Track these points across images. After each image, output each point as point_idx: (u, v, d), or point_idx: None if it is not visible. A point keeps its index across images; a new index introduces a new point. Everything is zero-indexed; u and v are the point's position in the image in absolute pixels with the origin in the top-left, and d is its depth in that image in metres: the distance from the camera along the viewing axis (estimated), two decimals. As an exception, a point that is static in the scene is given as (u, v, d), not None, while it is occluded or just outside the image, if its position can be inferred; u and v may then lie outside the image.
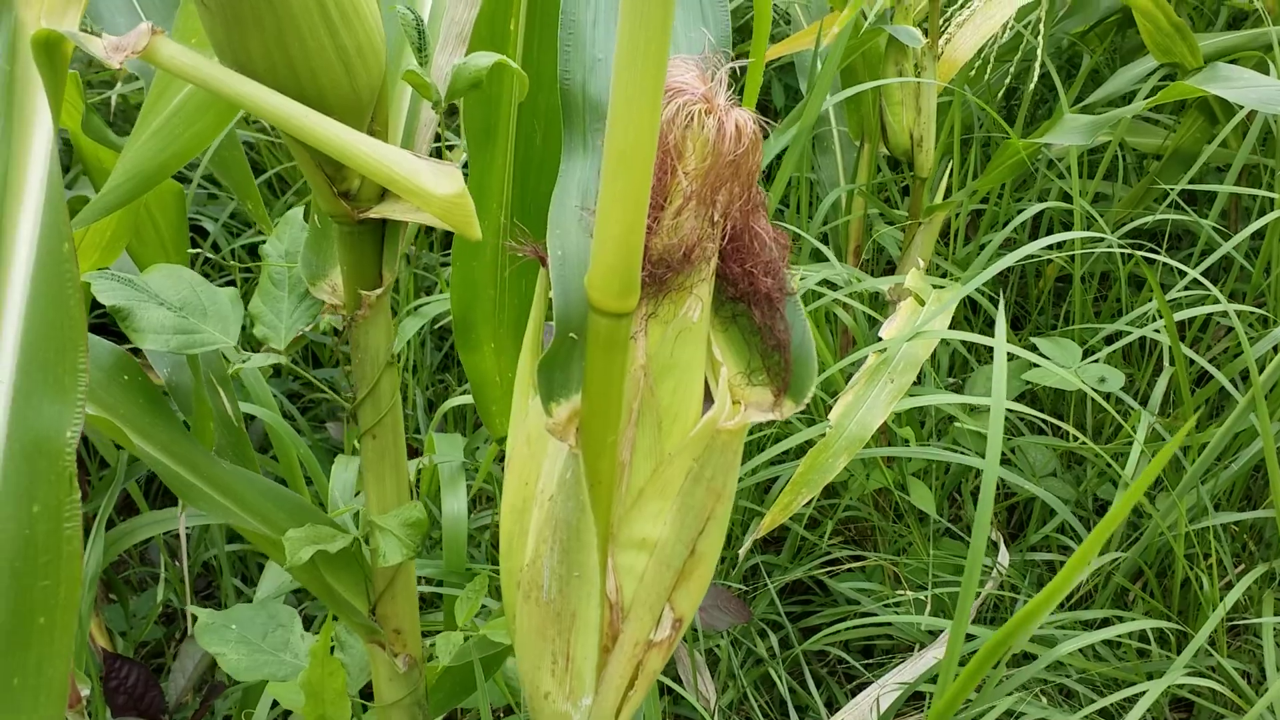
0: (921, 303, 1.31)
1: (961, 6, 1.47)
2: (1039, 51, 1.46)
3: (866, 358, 1.22)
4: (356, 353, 0.70)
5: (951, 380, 1.64)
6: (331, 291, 0.70)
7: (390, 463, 0.73)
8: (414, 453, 1.58)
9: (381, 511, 0.73)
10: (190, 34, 0.69)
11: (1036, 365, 1.32)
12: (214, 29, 0.53)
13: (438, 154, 1.68)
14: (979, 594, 1.40)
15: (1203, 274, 1.72)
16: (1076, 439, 1.41)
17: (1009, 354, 1.29)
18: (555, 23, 0.64)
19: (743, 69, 1.24)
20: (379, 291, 0.67)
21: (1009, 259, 1.25)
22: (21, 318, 0.52)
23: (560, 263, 0.61)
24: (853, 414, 1.21)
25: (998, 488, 1.52)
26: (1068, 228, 1.70)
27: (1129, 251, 1.37)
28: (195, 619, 0.89)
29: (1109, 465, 1.34)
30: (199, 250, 1.69)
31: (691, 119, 0.59)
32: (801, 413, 1.50)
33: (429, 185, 0.56)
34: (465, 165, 0.88)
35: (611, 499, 0.62)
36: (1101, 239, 1.51)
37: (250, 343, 0.76)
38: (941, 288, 1.37)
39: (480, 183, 0.93)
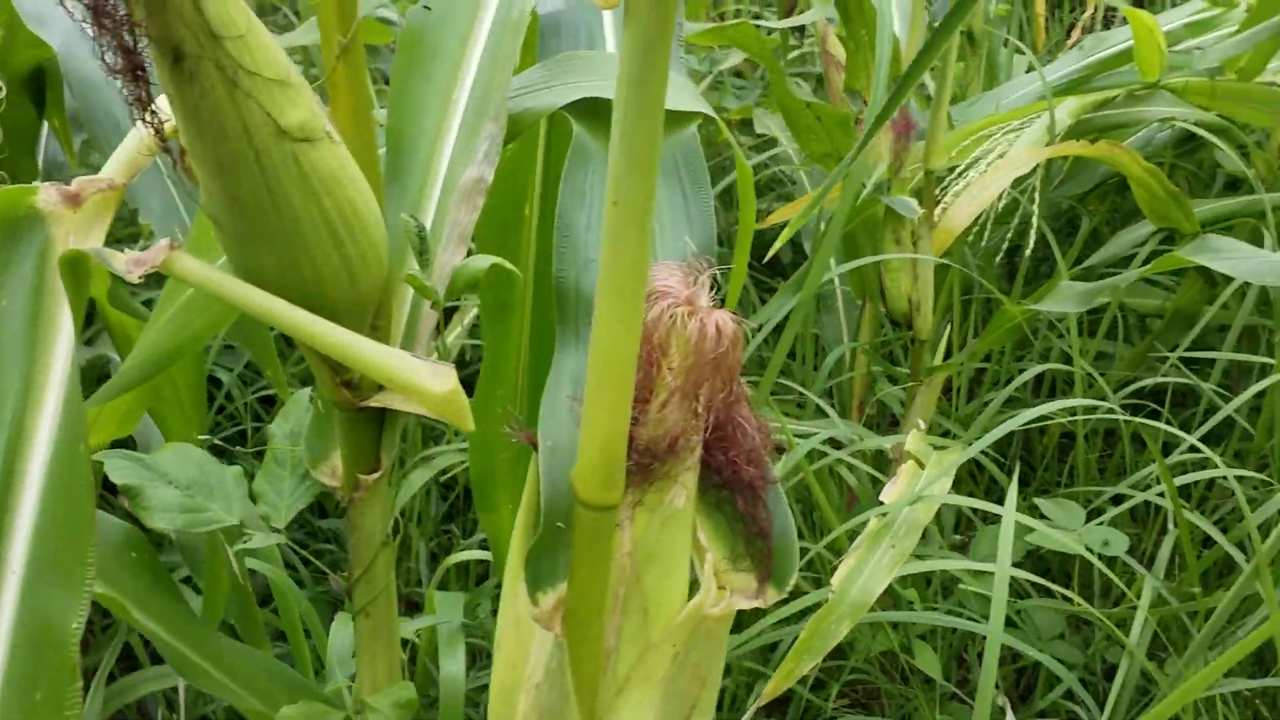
0: (922, 465, 1.32)
1: (959, 178, 1.53)
2: (1034, 218, 1.51)
3: (869, 520, 1.23)
4: (353, 533, 0.72)
5: (958, 537, 1.63)
6: (331, 474, 0.72)
7: (384, 640, 0.75)
8: (416, 608, 1.58)
9: (373, 690, 0.74)
10: (206, 241, 0.73)
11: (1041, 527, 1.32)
12: (229, 244, 0.58)
13: (450, 313, 1.73)
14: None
15: (1209, 434, 1.73)
16: (1082, 602, 1.40)
17: (1021, 518, 1.30)
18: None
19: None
20: (376, 475, 0.70)
21: (1008, 425, 1.27)
22: (36, 511, 0.55)
23: (549, 453, 0.63)
24: (855, 579, 1.22)
25: (1005, 650, 1.51)
26: (1070, 386, 1.72)
27: (1128, 418, 1.38)
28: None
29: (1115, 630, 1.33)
30: (213, 400, 1.73)
31: (675, 320, 0.62)
32: (808, 573, 1.50)
33: (425, 384, 0.59)
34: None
35: (596, 687, 0.63)
36: (1103, 401, 1.53)
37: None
38: (943, 449, 1.38)
39: (495, 353, 0.97)
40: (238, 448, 1.73)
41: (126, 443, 1.09)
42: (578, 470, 0.59)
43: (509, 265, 0.66)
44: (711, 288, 0.65)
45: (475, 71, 0.71)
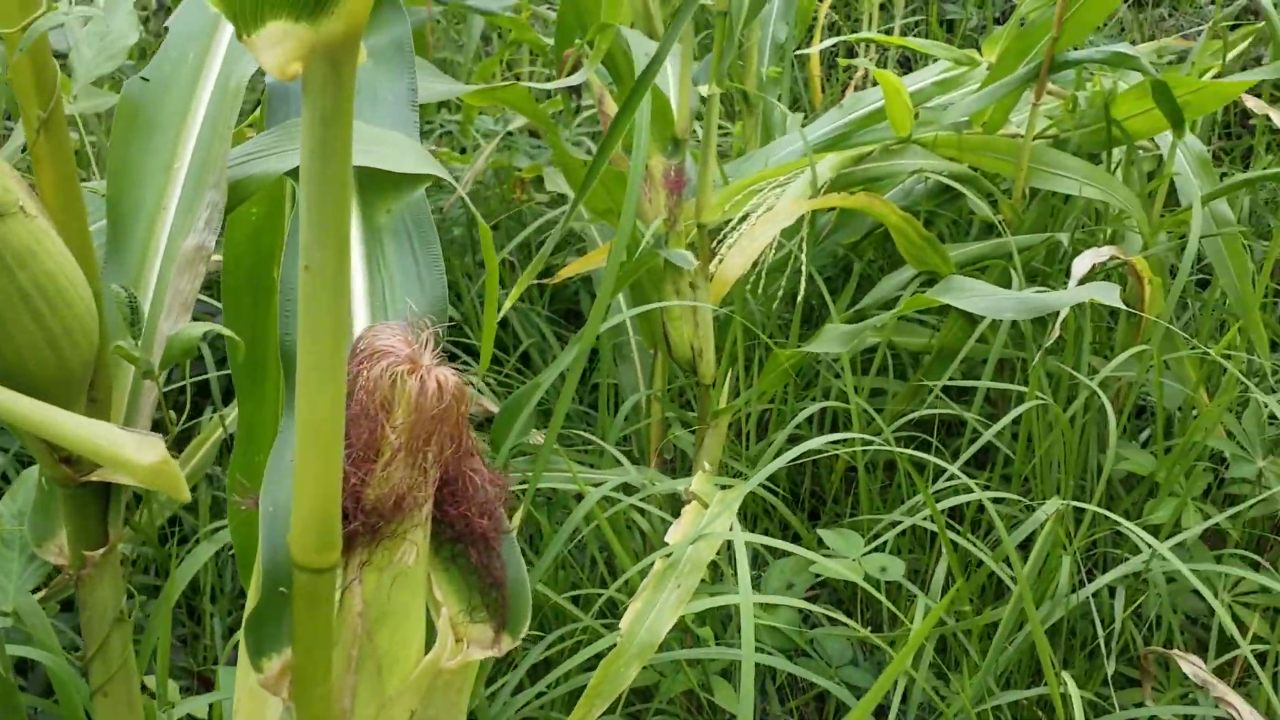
0: (706, 505, 1.37)
1: (733, 230, 1.61)
2: (804, 266, 1.60)
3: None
4: (84, 611, 0.70)
5: (754, 573, 1.69)
6: (58, 552, 0.70)
7: (122, 721, 0.72)
8: (210, 685, 1.53)
9: (112, 774, 0.71)
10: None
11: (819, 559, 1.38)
12: (-88, 322, 0.56)
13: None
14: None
15: (984, 461, 1.85)
16: (858, 627, 1.46)
17: (796, 550, 1.36)
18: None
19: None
20: (103, 551, 0.68)
21: (782, 459, 1.33)
22: None
23: (271, 517, 0.63)
24: (643, 621, 1.24)
25: (801, 680, 1.56)
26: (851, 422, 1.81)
27: (900, 450, 1.47)
28: None
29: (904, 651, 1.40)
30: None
31: (396, 379, 0.64)
32: (613, 619, 1.53)
33: (132, 456, 0.58)
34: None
35: (331, 749, 0.63)
36: (879, 434, 1.62)
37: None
38: (728, 487, 1.44)
39: (251, 419, 0.96)
40: None
41: None
42: (292, 534, 0.59)
43: (226, 331, 0.67)
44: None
45: (195, 140, 0.72)
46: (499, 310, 1.00)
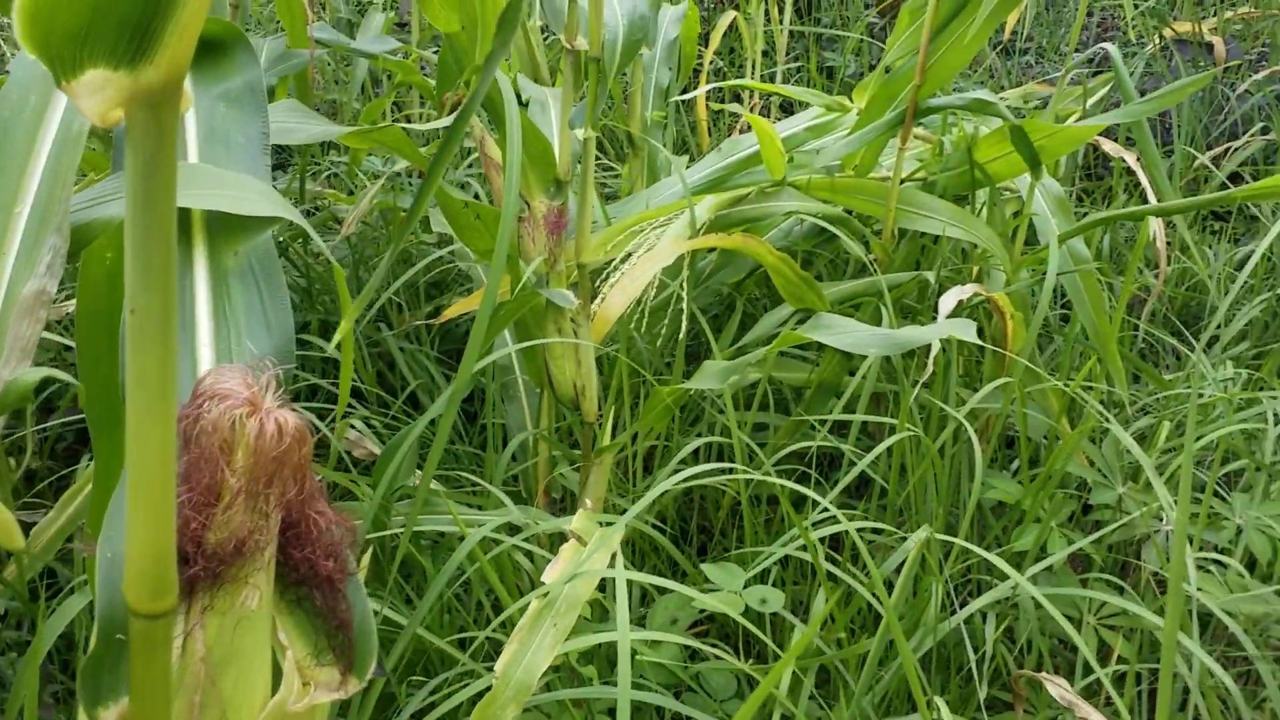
0: (584, 543, 1.38)
1: (615, 270, 1.63)
2: (685, 304, 1.63)
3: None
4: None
5: (641, 610, 1.70)
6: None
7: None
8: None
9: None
10: None
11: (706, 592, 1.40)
12: None
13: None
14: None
15: (858, 492, 1.90)
16: (735, 660, 1.49)
17: (675, 586, 1.38)
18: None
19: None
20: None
21: (656, 491, 1.35)
22: None
23: (108, 565, 0.63)
24: (518, 662, 1.24)
25: (685, 716, 1.57)
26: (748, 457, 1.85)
27: (779, 483, 1.50)
28: None
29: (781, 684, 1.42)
30: None
31: (234, 422, 0.64)
32: (486, 662, 1.52)
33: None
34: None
35: (170, 798, 0.62)
36: (762, 468, 1.65)
37: None
38: (610, 524, 1.45)
39: (106, 468, 0.94)
40: None
41: None
42: (126, 579, 0.59)
43: (63, 375, 0.66)
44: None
45: (37, 185, 0.71)
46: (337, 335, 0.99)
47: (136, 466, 0.56)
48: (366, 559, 0.89)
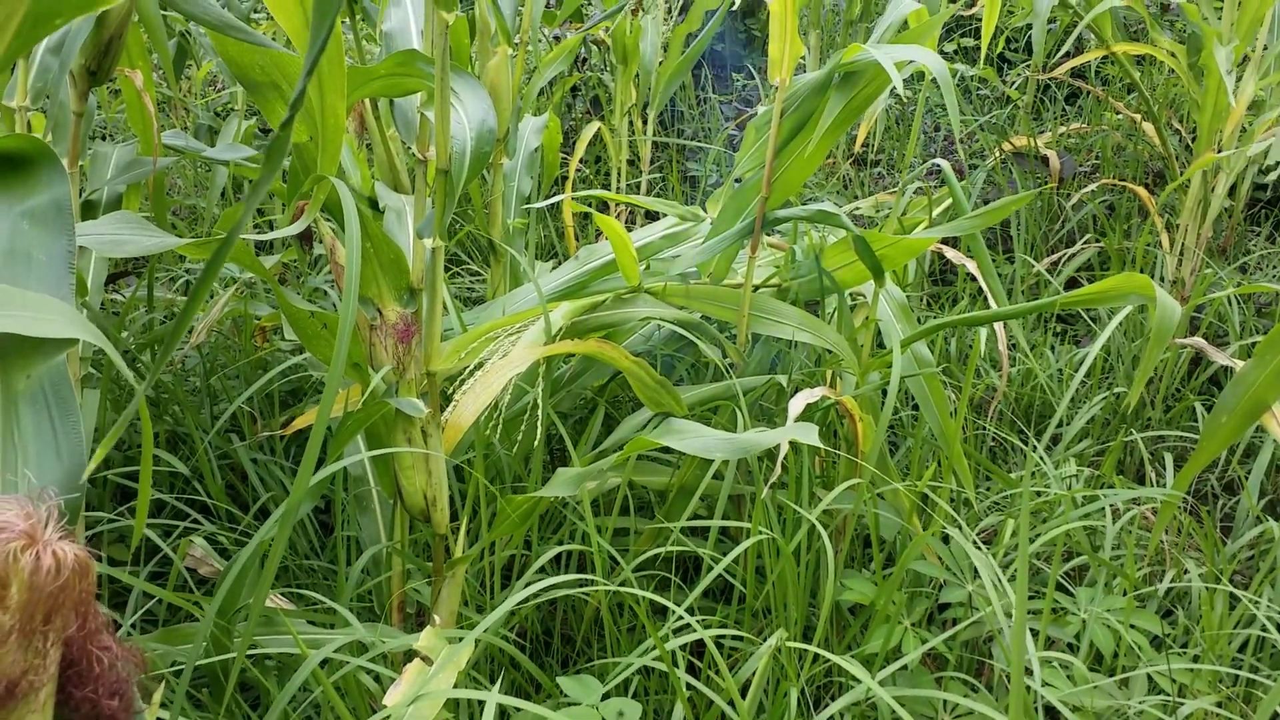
0: (430, 662, 1.33)
1: (468, 377, 1.62)
2: (541, 410, 1.62)
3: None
4: None
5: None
6: None
7: None
8: None
9: None
10: None
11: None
12: None
13: None
14: None
15: (723, 595, 1.90)
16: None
17: (527, 705, 1.34)
18: None
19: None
20: None
21: (507, 605, 1.33)
22: None
23: None
24: (359, 790, 1.19)
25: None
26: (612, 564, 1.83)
27: (638, 592, 1.49)
28: None
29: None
30: None
31: (9, 555, 0.61)
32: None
33: None
34: None
35: None
36: (622, 574, 1.63)
37: None
38: (459, 640, 1.41)
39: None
40: None
41: None
42: None
43: None
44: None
45: None
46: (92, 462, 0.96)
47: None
48: (158, 695, 0.84)
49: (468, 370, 1.67)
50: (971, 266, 2.12)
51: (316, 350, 1.61)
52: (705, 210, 2.00)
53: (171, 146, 1.92)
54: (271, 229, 2.57)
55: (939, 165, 2.03)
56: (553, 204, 2.57)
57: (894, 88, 1.92)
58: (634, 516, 1.88)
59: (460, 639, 1.43)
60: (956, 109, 1.58)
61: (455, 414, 1.57)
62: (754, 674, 1.50)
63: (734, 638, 1.72)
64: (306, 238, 1.97)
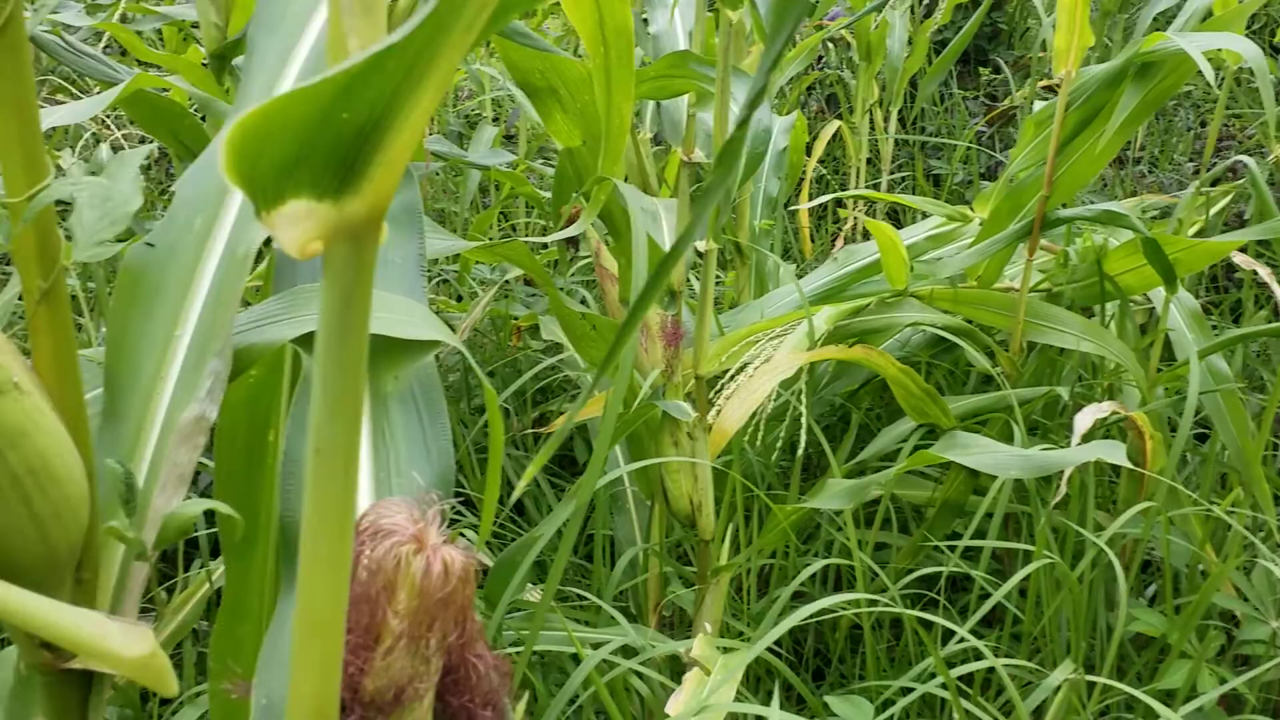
0: (708, 671, 1.31)
1: (730, 381, 1.60)
2: (804, 418, 1.58)
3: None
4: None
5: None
6: (30, 746, 0.65)
7: None
8: None
9: None
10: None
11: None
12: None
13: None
14: None
15: (984, 619, 1.80)
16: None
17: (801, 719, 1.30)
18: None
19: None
20: (80, 745, 0.63)
21: (787, 623, 1.29)
22: None
23: (263, 711, 0.59)
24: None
25: None
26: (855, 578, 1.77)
27: (903, 611, 1.42)
28: None
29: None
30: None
31: (400, 560, 0.61)
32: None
33: (118, 648, 0.55)
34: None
35: None
36: (884, 592, 1.57)
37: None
38: (731, 650, 1.38)
39: (237, 591, 0.92)
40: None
41: None
42: (288, 732, 0.55)
43: (225, 508, 0.63)
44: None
45: (200, 308, 0.70)
46: (515, 491, 0.97)
47: (307, 615, 0.53)
48: (522, 706, 0.84)
49: (728, 374, 1.64)
50: (1264, 272, 1.93)
51: (584, 351, 1.62)
52: (973, 210, 1.90)
53: (436, 153, 1.97)
54: (515, 233, 2.63)
55: (1243, 163, 1.86)
56: (792, 208, 2.52)
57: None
58: (895, 532, 1.81)
59: (729, 649, 1.41)
60: (1274, 102, 1.43)
61: (720, 419, 1.54)
62: (1040, 705, 1.40)
63: (1013, 666, 1.63)
64: (573, 240, 1.99)
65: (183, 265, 0.71)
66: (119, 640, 0.55)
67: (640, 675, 1.50)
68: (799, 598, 1.75)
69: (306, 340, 0.73)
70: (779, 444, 1.69)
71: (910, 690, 1.54)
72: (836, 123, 2.70)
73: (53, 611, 0.54)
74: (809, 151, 2.82)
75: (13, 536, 0.55)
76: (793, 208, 1.81)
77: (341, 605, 0.54)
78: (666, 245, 1.65)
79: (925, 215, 1.97)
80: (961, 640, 1.52)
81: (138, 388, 0.68)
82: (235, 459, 0.90)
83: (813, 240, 2.69)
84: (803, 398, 1.57)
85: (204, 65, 1.95)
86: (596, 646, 1.42)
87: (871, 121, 2.78)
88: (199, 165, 0.75)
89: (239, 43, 2.21)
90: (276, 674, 0.60)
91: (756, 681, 1.68)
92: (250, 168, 0.43)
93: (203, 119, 1.85)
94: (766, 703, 1.67)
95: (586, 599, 1.67)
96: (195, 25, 2.97)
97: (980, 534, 1.83)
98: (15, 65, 0.57)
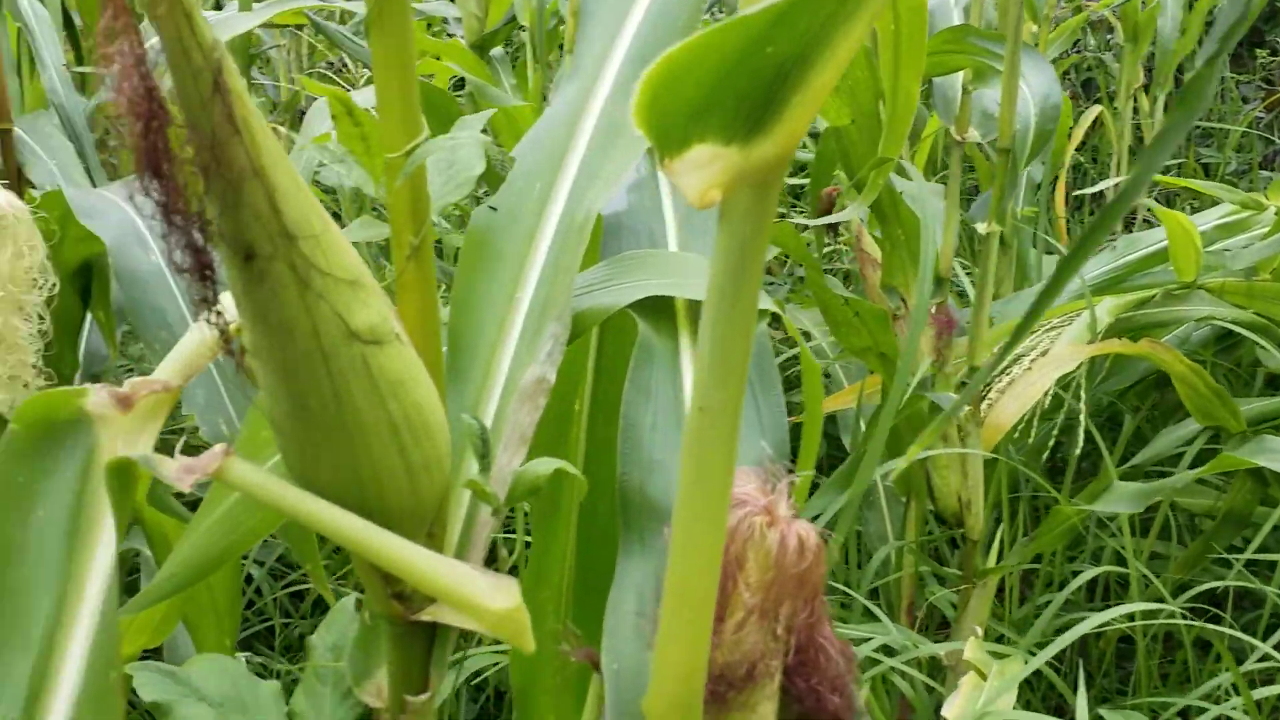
0: (983, 676, 1.24)
1: (1004, 372, 1.51)
2: (1081, 416, 1.48)
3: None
4: (396, 758, 0.66)
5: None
6: (376, 694, 0.67)
7: None
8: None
9: None
10: (256, 442, 0.71)
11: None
12: (287, 448, 0.55)
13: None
14: None
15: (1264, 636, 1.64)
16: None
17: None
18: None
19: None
20: (425, 697, 0.64)
21: (1074, 633, 1.21)
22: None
23: (615, 677, 0.58)
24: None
25: None
26: (1124, 587, 1.65)
27: (1191, 623, 1.31)
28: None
29: None
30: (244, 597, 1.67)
31: (753, 531, 0.58)
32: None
33: (484, 600, 0.55)
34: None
35: None
36: (1162, 605, 1.46)
37: None
38: (1003, 657, 1.31)
39: (542, 554, 0.93)
40: (270, 651, 1.66)
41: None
42: (649, 701, 0.53)
43: (572, 468, 0.63)
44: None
45: (540, 272, 0.70)
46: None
47: (680, 583, 0.51)
48: (864, 695, 0.81)
49: (1000, 367, 1.55)
50: None
51: (844, 338, 1.57)
52: (1267, 198, 1.74)
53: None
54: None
55: None
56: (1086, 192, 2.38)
57: None
58: (1174, 542, 1.68)
59: (999, 655, 1.33)
60: None
61: (994, 412, 1.47)
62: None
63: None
64: (832, 226, 1.95)
65: (522, 230, 0.72)
66: (486, 591, 0.55)
67: (900, 674, 1.44)
68: (1065, 606, 1.65)
69: (635, 306, 0.72)
70: (1051, 443, 1.60)
71: (1201, 710, 1.42)
72: (1097, 108, 2.54)
73: (426, 560, 0.55)
74: (1068, 137, 2.67)
75: (387, 485, 0.56)
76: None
77: (715, 569, 0.52)
78: (937, 230, 1.59)
79: (1214, 203, 1.82)
80: (1262, 661, 1.39)
81: (481, 348, 0.69)
82: (541, 429, 0.90)
83: (1068, 232, 2.54)
84: (1082, 395, 1.47)
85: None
86: (855, 644, 1.37)
87: (1136, 108, 2.60)
88: (534, 133, 0.76)
89: (497, 34, 2.28)
90: (623, 640, 0.60)
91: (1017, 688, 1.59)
92: (660, 114, 0.42)
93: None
94: (1024, 708, 1.58)
95: (846, 595, 1.63)
96: (445, 21, 3.09)
97: (1265, 549, 1.67)
98: (399, 24, 0.58)
